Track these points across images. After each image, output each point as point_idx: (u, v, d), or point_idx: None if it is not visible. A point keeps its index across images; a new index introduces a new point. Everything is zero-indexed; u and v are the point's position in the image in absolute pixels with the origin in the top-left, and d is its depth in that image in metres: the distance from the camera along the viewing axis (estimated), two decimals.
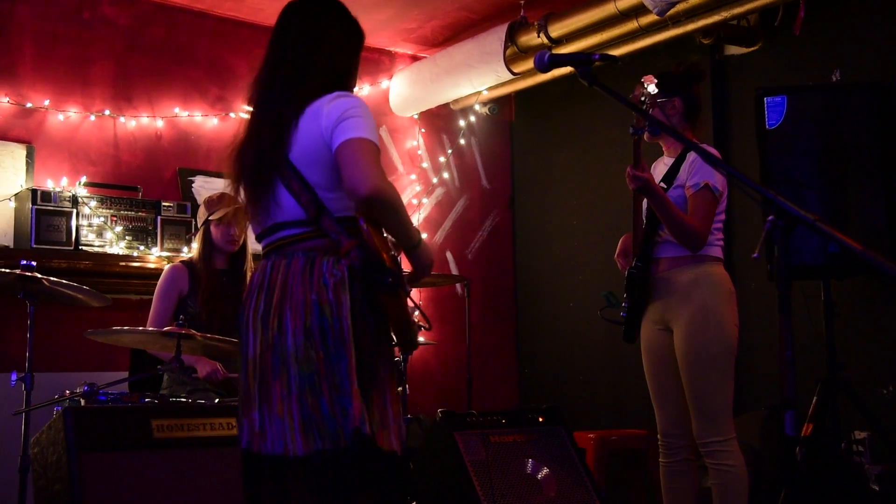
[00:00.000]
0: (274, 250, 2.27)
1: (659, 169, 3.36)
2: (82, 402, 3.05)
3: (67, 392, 3.13)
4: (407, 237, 2.26)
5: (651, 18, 4.29)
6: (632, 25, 4.43)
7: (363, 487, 2.11)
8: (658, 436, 3.32)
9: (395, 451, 2.17)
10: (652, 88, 3.02)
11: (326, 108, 2.21)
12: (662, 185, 3.18)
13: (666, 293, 3.20)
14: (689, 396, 3.16)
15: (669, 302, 3.19)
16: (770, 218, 1.82)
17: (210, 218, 3.87)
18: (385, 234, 2.24)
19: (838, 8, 4.21)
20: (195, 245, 4.02)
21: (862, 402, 3.42)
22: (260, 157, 2.26)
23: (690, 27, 4.31)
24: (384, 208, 2.15)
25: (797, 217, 1.78)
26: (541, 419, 3.99)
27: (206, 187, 4.89)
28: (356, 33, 2.41)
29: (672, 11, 4.15)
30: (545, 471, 3.77)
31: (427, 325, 3.49)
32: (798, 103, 3.80)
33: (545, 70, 2.35)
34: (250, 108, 2.36)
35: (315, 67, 2.29)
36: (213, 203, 3.93)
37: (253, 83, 2.36)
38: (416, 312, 2.28)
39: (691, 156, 3.15)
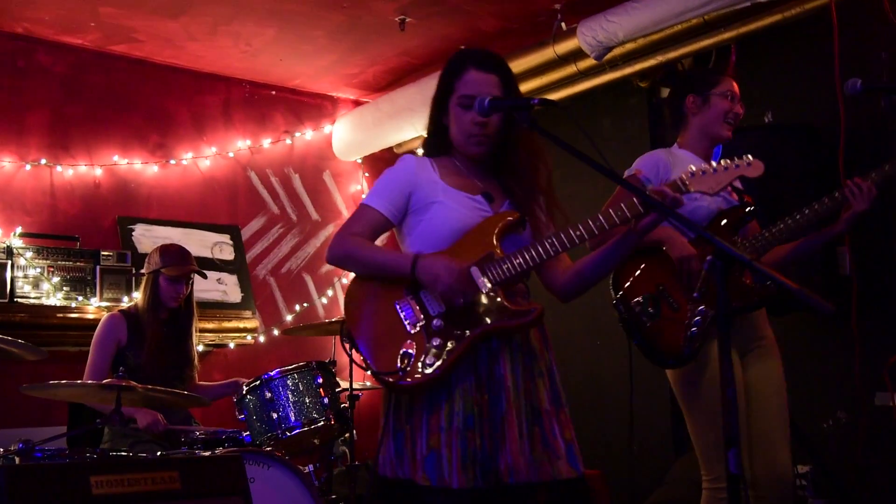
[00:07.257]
0: None
1: None
2: (17, 459, 2.95)
3: (1, 450, 3.02)
4: (389, 271, 2.30)
5: (589, 63, 4.38)
6: (571, 70, 4.51)
7: None
8: (746, 487, 2.71)
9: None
10: None
11: None
12: None
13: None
14: (782, 425, 2.82)
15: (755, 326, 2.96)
16: (709, 258, 1.86)
17: (163, 270, 3.79)
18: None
19: (768, 53, 4.34)
20: (138, 294, 3.93)
21: (804, 436, 3.47)
22: None
23: (628, 71, 4.41)
24: (341, 266, 2.39)
25: (734, 257, 1.81)
26: None
27: (147, 235, 4.82)
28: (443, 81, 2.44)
29: (609, 56, 4.24)
30: None
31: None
32: (732, 143, 3.89)
33: (485, 115, 2.36)
34: None
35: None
36: (172, 256, 3.83)
37: None
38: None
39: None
